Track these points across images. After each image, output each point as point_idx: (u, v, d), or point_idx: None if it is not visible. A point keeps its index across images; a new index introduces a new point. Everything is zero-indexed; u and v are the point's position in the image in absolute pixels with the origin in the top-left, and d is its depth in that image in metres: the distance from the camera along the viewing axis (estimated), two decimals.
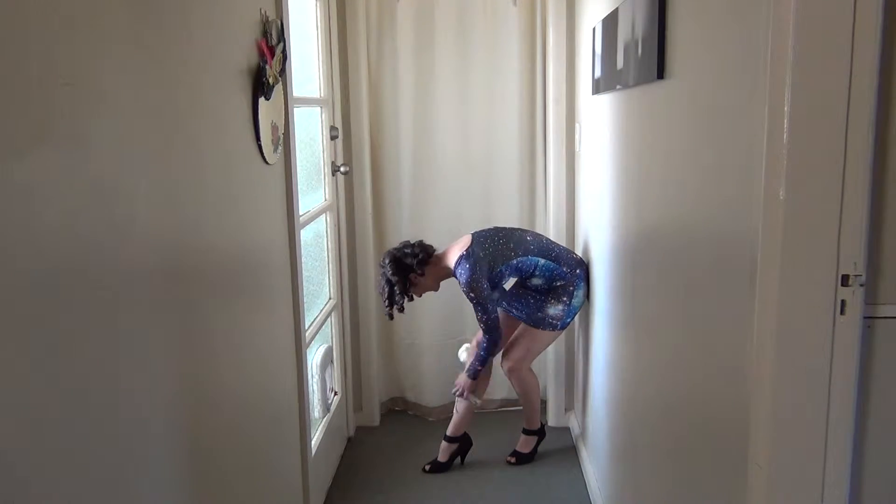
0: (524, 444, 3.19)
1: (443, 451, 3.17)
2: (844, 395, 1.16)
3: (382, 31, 3.39)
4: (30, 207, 0.98)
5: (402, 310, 2.95)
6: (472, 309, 2.88)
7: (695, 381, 1.58)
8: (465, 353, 3.18)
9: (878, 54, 1.08)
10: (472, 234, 2.91)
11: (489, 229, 2.97)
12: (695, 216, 1.56)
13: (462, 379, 3.04)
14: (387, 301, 2.93)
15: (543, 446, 3.29)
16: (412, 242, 2.94)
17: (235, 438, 1.80)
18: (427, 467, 3.16)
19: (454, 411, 3.16)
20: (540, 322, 2.93)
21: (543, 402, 3.60)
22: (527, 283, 2.96)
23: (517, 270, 2.88)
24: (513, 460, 3.17)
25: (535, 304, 2.94)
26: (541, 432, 3.22)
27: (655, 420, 1.92)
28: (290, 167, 2.27)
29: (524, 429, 3.20)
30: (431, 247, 2.94)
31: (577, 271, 2.86)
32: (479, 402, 3.09)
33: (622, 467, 2.39)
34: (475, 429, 3.46)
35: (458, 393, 3.05)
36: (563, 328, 2.95)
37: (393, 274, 2.87)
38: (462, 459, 3.20)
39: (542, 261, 2.86)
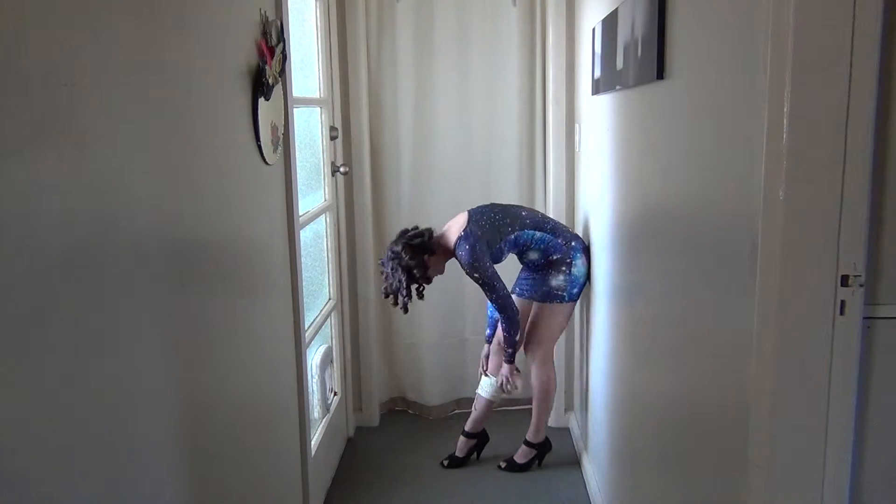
0: (521, 455, 3.14)
1: (460, 446, 3.20)
2: (844, 395, 1.16)
3: (382, 32, 3.39)
4: (29, 207, 0.98)
5: (421, 296, 2.85)
6: (482, 297, 2.87)
7: (694, 381, 1.58)
8: (486, 386, 3.14)
9: (878, 54, 1.08)
10: (469, 212, 2.87)
11: (485, 206, 2.94)
12: (694, 216, 1.56)
13: (505, 369, 2.96)
14: (405, 292, 2.78)
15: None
16: (408, 229, 2.85)
17: (235, 438, 1.80)
18: (445, 462, 3.19)
19: (473, 408, 3.18)
20: (547, 296, 2.90)
21: None
22: (524, 258, 2.95)
23: (514, 245, 2.87)
24: (503, 465, 3.13)
25: (539, 280, 2.93)
26: (542, 447, 3.14)
27: (655, 420, 1.92)
28: (289, 167, 2.26)
29: (526, 439, 3.13)
30: (429, 228, 2.87)
31: (573, 244, 2.85)
32: (518, 388, 3.03)
33: (622, 468, 2.39)
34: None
35: (506, 387, 2.99)
36: (571, 300, 2.89)
37: (411, 258, 2.75)
38: (478, 455, 3.22)
39: (537, 234, 2.86)
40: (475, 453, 3.23)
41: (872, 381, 1.19)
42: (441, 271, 2.91)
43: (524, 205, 3.33)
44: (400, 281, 2.78)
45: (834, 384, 1.15)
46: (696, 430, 1.57)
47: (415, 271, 2.76)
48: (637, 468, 2.16)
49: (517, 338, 2.88)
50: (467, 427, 3.19)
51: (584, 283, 2.90)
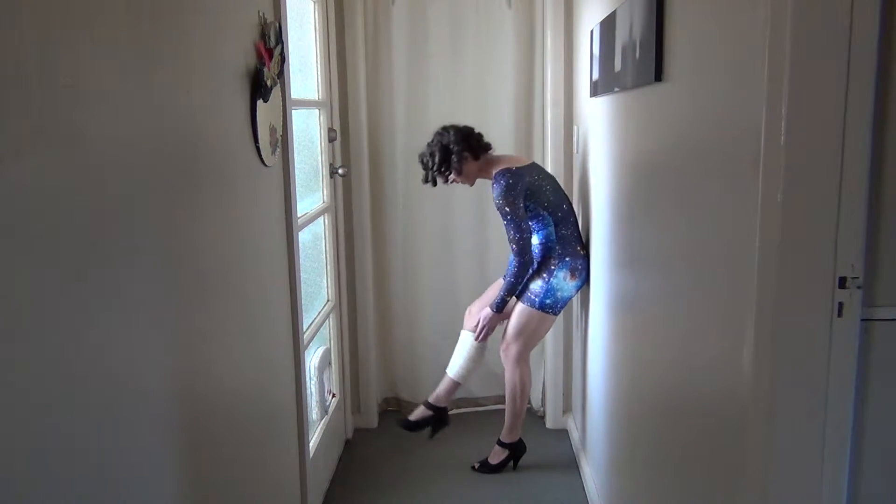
0: (495, 455, 3.12)
1: (417, 411, 3.13)
2: (842, 396, 1.16)
3: (378, 34, 3.40)
4: (28, 208, 0.98)
5: (434, 183, 2.97)
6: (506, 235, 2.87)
7: (692, 383, 1.58)
8: (464, 349, 3.09)
9: (875, 56, 1.08)
10: (533, 163, 2.93)
11: (551, 176, 2.95)
12: (691, 217, 1.56)
13: (485, 313, 2.96)
14: (435, 168, 2.90)
15: (543, 448, 3.29)
16: (476, 131, 2.94)
17: (233, 440, 1.80)
18: (401, 422, 3.14)
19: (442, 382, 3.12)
20: (521, 294, 2.91)
21: (534, 408, 3.59)
22: (533, 235, 2.94)
23: (533, 216, 2.85)
24: (476, 466, 3.12)
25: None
26: (513, 447, 3.11)
27: (653, 423, 1.92)
28: (288, 169, 2.27)
29: (499, 439, 3.11)
30: (488, 143, 2.95)
31: (566, 258, 2.83)
32: (484, 343, 3.05)
33: (621, 470, 2.39)
34: (473, 429, 3.47)
35: (479, 335, 3.00)
36: (541, 309, 2.86)
37: (454, 143, 2.86)
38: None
39: (550, 227, 2.85)
40: (430, 431, 3.13)
41: (870, 382, 1.19)
42: (468, 181, 2.95)
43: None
44: (431, 154, 2.90)
45: (832, 386, 1.15)
46: (694, 432, 1.57)
47: (452, 157, 2.86)
48: (636, 470, 2.16)
49: (518, 285, 2.85)
50: (430, 398, 3.11)
51: (562, 301, 2.88)
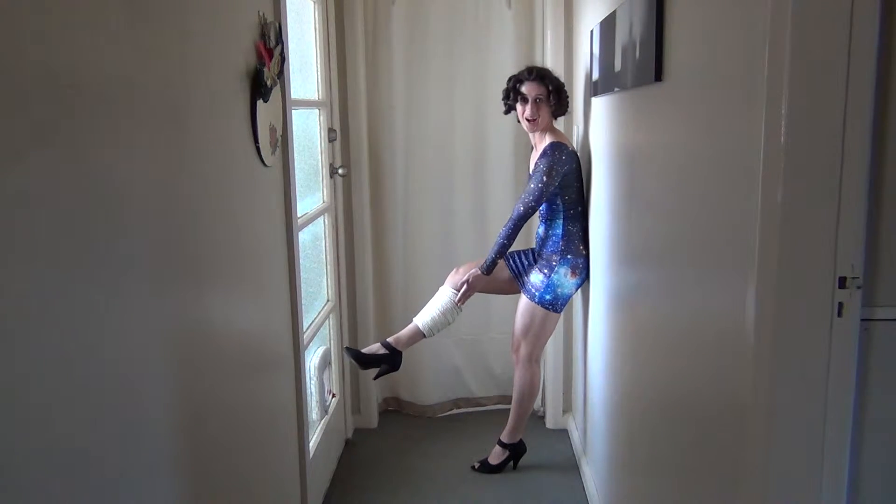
0: (495, 455, 3.13)
1: (372, 348, 3.04)
2: (842, 397, 1.16)
3: (378, 34, 3.40)
4: (28, 209, 0.98)
5: (508, 109, 2.99)
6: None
7: (692, 383, 1.58)
8: (441, 300, 3.05)
9: (875, 56, 1.08)
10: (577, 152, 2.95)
11: (582, 176, 2.93)
12: (692, 218, 1.56)
13: (474, 272, 2.95)
14: (555, 101, 2.87)
15: (543, 448, 3.29)
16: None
17: (233, 441, 1.80)
18: (355, 352, 3.03)
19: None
20: (523, 285, 2.95)
21: (534, 407, 3.58)
22: (539, 225, 2.96)
23: (551, 202, 2.87)
24: (476, 466, 3.13)
25: (527, 264, 2.96)
26: (515, 449, 3.13)
27: (653, 423, 1.92)
28: (288, 169, 2.27)
29: (500, 440, 3.13)
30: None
31: (568, 256, 2.85)
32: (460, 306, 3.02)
33: (621, 470, 2.39)
34: (473, 429, 3.47)
35: (461, 296, 2.97)
36: (541, 304, 2.88)
37: (557, 91, 2.88)
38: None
39: (560, 219, 2.86)
40: (377, 371, 3.04)
41: (870, 382, 1.19)
42: (537, 129, 2.90)
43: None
44: (559, 89, 2.89)
45: (831, 386, 1.15)
46: (694, 432, 1.57)
47: (554, 98, 2.87)
48: (636, 470, 2.16)
49: (505, 251, 2.87)
50: (390, 338, 3.03)
51: (562, 298, 2.89)
